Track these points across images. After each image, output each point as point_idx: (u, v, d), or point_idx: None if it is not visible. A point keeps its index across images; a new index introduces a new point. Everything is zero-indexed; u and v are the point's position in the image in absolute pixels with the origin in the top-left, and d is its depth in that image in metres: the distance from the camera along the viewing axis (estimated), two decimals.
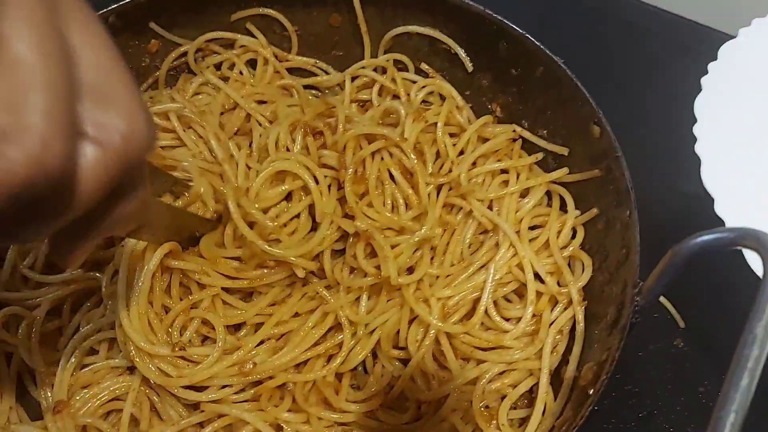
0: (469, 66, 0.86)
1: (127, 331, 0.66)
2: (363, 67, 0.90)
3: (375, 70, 0.90)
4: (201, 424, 0.67)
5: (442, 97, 0.87)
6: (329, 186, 0.77)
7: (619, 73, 1.08)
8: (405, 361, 0.71)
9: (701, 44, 1.02)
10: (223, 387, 0.67)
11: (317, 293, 0.73)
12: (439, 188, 0.79)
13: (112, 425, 0.68)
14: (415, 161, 0.76)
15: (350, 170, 0.74)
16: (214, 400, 0.66)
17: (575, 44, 0.96)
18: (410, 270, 0.74)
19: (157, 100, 0.85)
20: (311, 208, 0.75)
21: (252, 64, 0.91)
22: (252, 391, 0.67)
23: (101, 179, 0.33)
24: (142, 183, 0.40)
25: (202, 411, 0.66)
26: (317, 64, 0.93)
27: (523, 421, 0.68)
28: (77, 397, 0.69)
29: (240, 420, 0.66)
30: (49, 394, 0.69)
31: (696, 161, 0.82)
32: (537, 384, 0.68)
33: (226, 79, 0.89)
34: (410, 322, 0.71)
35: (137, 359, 0.66)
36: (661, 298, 0.86)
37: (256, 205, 0.71)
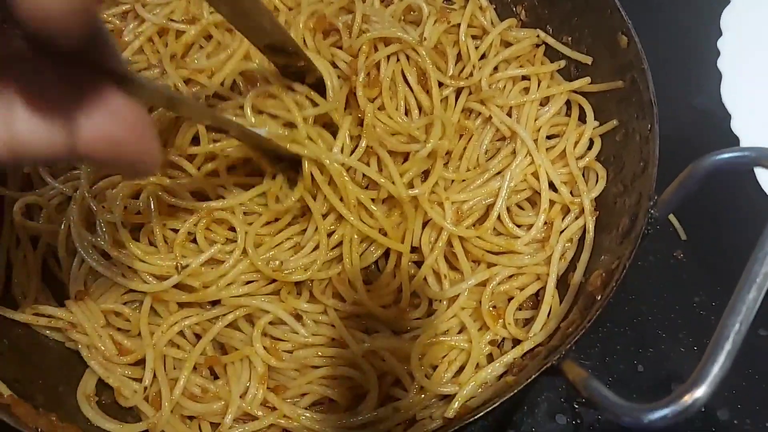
0: None
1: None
2: None
3: None
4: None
5: None
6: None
7: None
8: (417, 262, 0.73)
9: None
10: (248, 283, 0.69)
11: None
12: (458, 92, 0.78)
13: (132, 310, 0.71)
14: (430, 64, 0.74)
15: (362, 75, 0.72)
16: (237, 296, 0.68)
17: None
18: (426, 174, 0.74)
19: None
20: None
21: None
22: (272, 285, 0.69)
23: None
24: None
25: (224, 304, 0.69)
26: None
27: (528, 322, 0.71)
28: (96, 283, 0.72)
29: (260, 310, 0.69)
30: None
31: (717, 76, 0.82)
32: (543, 288, 0.71)
33: None
34: (424, 224, 0.73)
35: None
36: None
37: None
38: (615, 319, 0.84)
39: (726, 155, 0.56)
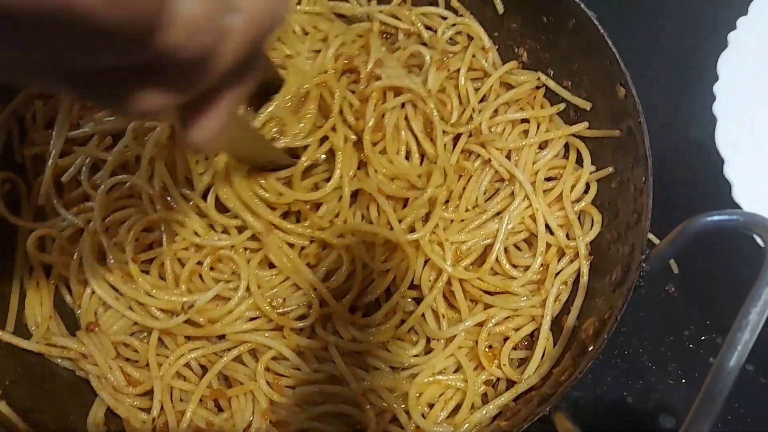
0: (500, 7, 0.85)
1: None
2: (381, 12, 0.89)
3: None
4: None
5: (470, 37, 0.86)
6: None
7: (649, 19, 1.06)
8: (417, 299, 0.75)
9: None
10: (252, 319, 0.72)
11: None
12: (458, 134, 0.80)
13: (141, 341, 0.74)
14: (437, 116, 0.77)
15: (370, 122, 0.75)
16: (242, 331, 0.71)
17: None
18: (426, 216, 0.76)
19: None
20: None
21: None
22: (275, 322, 0.72)
23: (241, 45, 0.37)
24: (260, 61, 0.44)
25: (228, 339, 0.72)
26: None
27: (522, 362, 0.73)
28: (107, 314, 0.74)
29: (264, 345, 0.71)
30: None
31: (713, 120, 0.84)
32: (538, 329, 0.73)
33: None
34: (425, 263, 0.75)
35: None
36: None
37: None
38: (606, 350, 0.84)
39: (716, 218, 0.58)
